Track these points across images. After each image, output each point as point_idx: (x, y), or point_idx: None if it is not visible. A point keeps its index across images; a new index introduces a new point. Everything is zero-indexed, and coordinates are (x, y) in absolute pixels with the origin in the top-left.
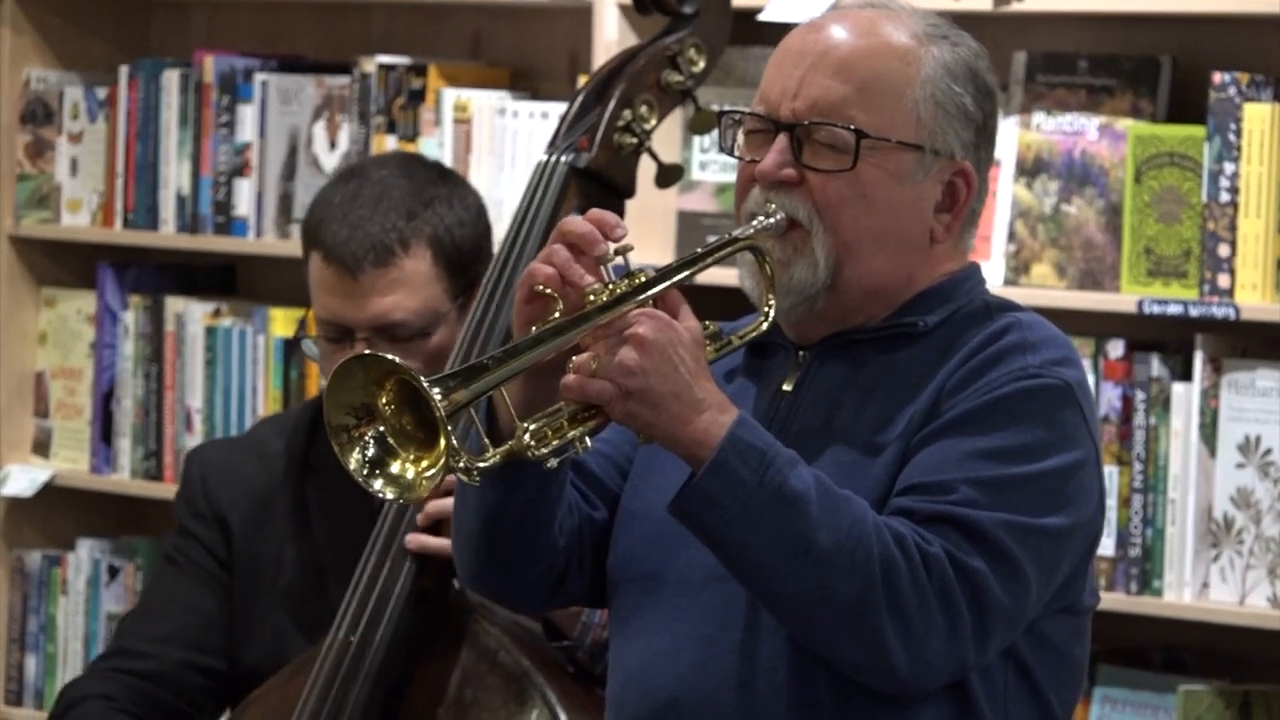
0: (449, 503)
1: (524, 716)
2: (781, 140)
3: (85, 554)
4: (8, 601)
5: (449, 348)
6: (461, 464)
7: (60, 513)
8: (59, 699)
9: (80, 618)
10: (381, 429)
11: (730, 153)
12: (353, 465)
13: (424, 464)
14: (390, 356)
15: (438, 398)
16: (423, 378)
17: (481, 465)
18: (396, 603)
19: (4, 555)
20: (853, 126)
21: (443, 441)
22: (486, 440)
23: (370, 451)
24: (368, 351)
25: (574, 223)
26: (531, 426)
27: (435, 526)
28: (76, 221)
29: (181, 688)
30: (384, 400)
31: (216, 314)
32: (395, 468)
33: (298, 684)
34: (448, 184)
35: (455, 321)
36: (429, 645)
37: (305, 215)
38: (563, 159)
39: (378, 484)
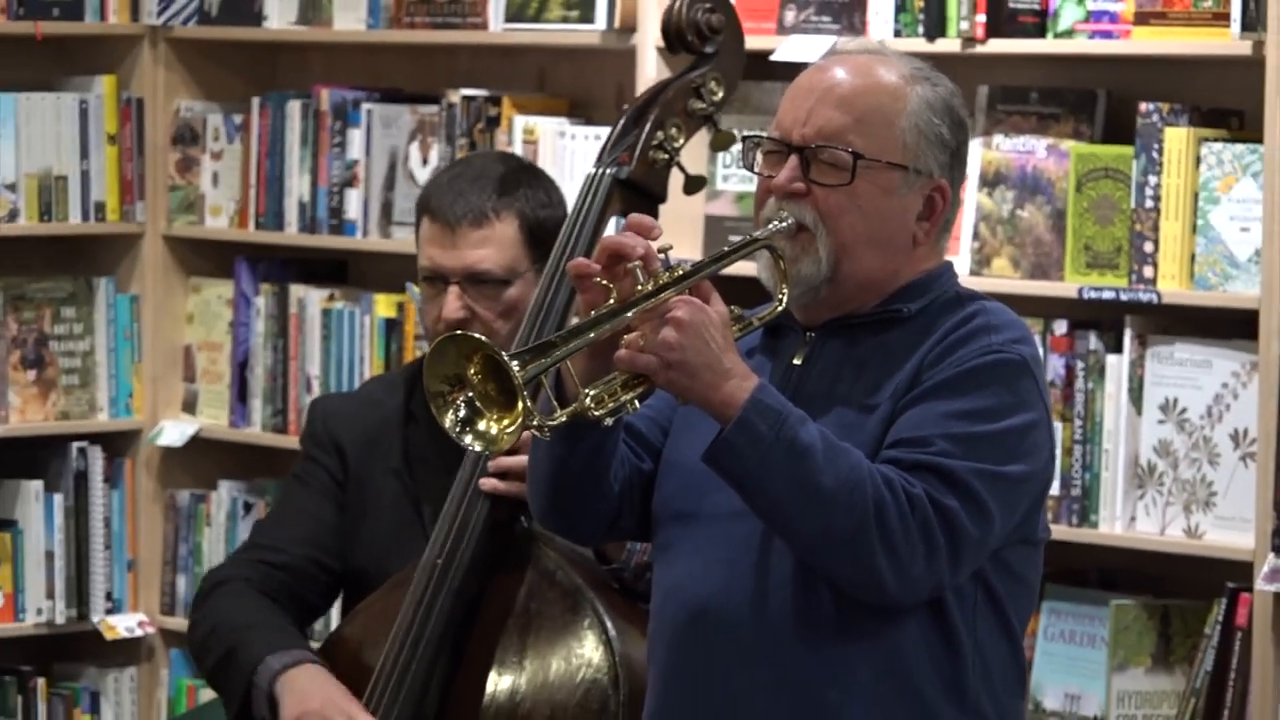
0: (516, 459)
1: (577, 623)
2: (793, 160)
3: (225, 493)
4: (163, 531)
5: (524, 301)
6: (536, 422)
7: (204, 459)
8: (205, 580)
9: (221, 545)
10: (470, 394)
11: (751, 169)
12: (448, 423)
13: (505, 422)
14: (478, 336)
15: (516, 368)
16: (503, 352)
17: (551, 423)
18: (474, 532)
19: (159, 494)
20: (851, 150)
21: (520, 404)
22: (555, 404)
23: (461, 413)
24: (460, 332)
25: (616, 241)
26: (592, 392)
27: (504, 474)
28: (217, 224)
29: (305, 578)
30: (472, 371)
31: (331, 299)
32: (482, 425)
33: (397, 596)
34: (535, 175)
35: (531, 281)
36: (501, 567)
37: (419, 195)
38: (608, 171)
39: (468, 439)
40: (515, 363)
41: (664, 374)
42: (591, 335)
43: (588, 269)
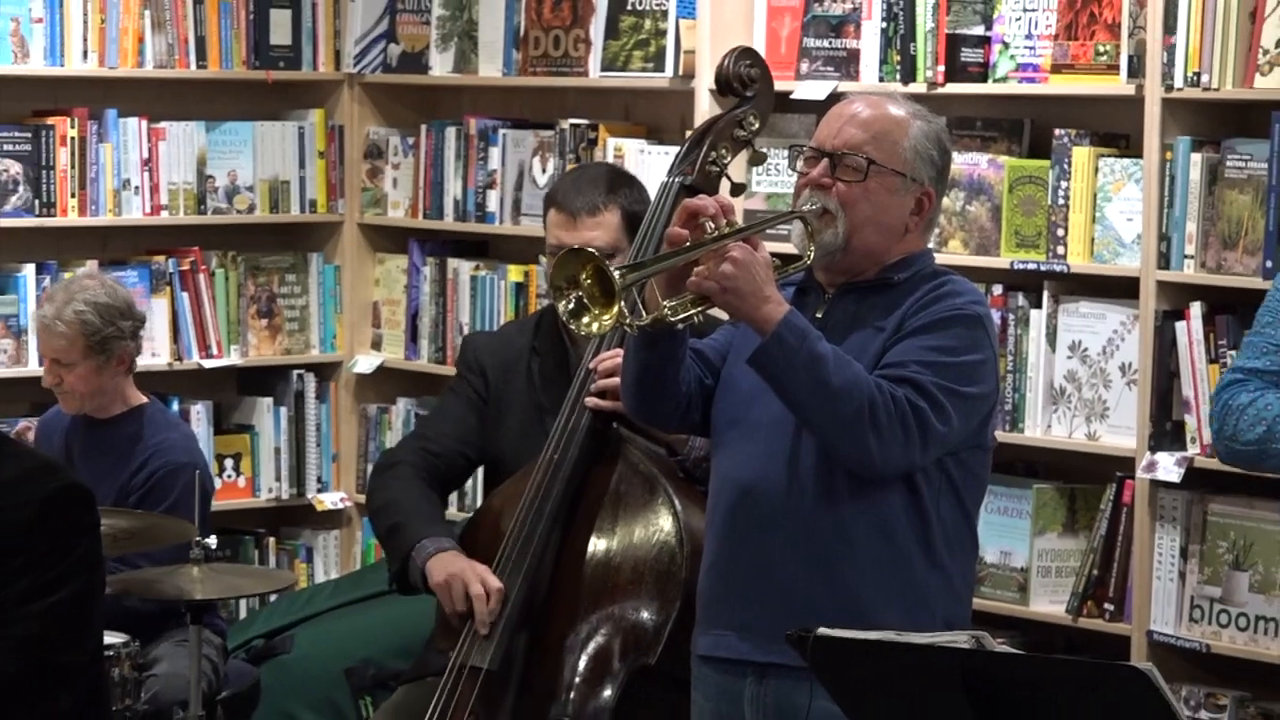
0: (610, 381)
1: (654, 501)
2: (824, 162)
3: (401, 406)
4: (357, 434)
5: None
6: (628, 320)
7: (387, 383)
8: (382, 457)
9: None
10: (580, 293)
11: (793, 168)
12: (560, 309)
13: (604, 317)
14: (593, 250)
15: (618, 276)
16: (609, 264)
17: (639, 323)
18: (581, 435)
19: (355, 407)
20: (867, 157)
21: (617, 304)
22: (643, 309)
23: (571, 305)
24: (578, 246)
25: (695, 203)
26: (669, 304)
27: (602, 394)
28: (396, 214)
29: (450, 464)
30: (584, 276)
31: (477, 269)
32: (586, 318)
33: (525, 481)
34: (631, 179)
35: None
36: (598, 461)
37: (546, 193)
38: (675, 180)
39: (574, 324)
40: (617, 272)
41: (721, 296)
42: (672, 261)
43: (704, 208)
